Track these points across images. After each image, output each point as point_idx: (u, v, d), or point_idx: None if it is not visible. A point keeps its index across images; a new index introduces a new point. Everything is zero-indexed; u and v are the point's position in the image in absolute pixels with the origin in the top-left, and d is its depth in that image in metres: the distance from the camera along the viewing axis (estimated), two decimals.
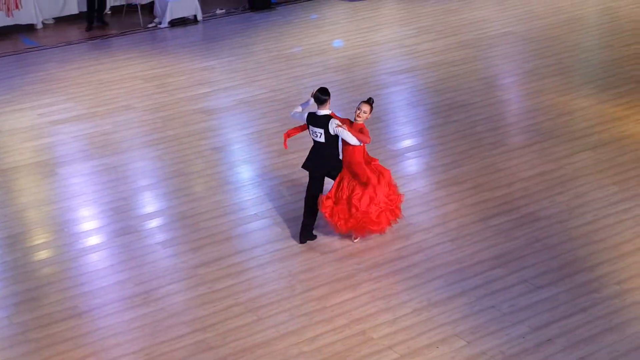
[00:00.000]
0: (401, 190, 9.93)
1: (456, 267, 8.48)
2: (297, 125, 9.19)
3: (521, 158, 10.59)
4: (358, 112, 8.61)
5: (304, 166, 9.05)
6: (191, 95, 12.81)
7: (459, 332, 7.52)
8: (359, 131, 8.56)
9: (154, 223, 9.48)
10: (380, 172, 8.79)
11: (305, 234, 9.06)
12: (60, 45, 15.06)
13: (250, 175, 10.53)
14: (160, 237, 9.20)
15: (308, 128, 8.79)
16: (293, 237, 9.07)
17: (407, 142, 11.18)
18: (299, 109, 8.97)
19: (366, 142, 8.60)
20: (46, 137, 11.61)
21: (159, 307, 7.99)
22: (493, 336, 7.47)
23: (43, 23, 15.99)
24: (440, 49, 14.31)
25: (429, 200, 9.78)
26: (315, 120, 8.65)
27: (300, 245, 8.92)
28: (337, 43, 14.89)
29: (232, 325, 7.72)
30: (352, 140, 8.52)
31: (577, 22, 15.37)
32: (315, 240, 8.99)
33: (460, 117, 11.76)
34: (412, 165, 10.66)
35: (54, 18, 16.18)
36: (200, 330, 7.66)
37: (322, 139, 8.66)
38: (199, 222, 9.43)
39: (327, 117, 8.58)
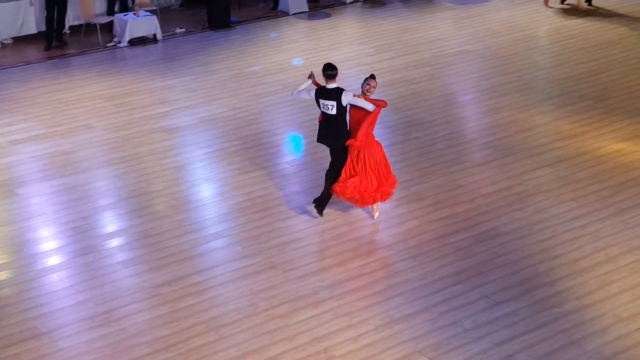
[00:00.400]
0: (362, 208, 10.04)
1: (418, 283, 8.53)
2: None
3: (481, 174, 10.70)
4: (367, 87, 9.26)
5: (320, 141, 9.74)
6: (151, 114, 12.77)
7: (422, 349, 7.56)
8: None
9: (115, 242, 9.41)
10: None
11: (322, 206, 9.70)
12: (19, 64, 14.92)
13: (212, 194, 10.50)
14: (121, 256, 9.13)
15: (317, 103, 9.44)
16: (255, 254, 9.07)
17: None
18: (303, 86, 9.63)
19: (383, 106, 9.31)
20: (5, 157, 11.48)
21: (120, 327, 7.92)
22: (455, 352, 7.51)
23: (1, 43, 15.84)
24: (398, 67, 14.43)
25: (390, 217, 9.83)
26: (326, 94, 9.34)
27: (262, 263, 8.91)
28: (297, 61, 14.95)
29: (194, 344, 7.68)
30: (369, 106, 9.22)
31: (533, 41, 15.60)
32: (276, 257, 8.99)
33: (419, 135, 11.85)
34: None
35: (12, 38, 16.02)
36: (162, 350, 7.61)
37: (334, 111, 9.34)
38: (160, 241, 9.38)
39: (339, 90, 9.31)
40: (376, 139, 9.57)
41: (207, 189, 10.63)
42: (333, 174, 9.60)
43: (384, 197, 9.59)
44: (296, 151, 11.80)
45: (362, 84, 9.35)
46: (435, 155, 11.25)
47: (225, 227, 9.67)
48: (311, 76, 9.71)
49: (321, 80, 9.54)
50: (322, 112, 9.52)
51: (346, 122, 9.50)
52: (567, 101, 12.80)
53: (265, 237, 9.42)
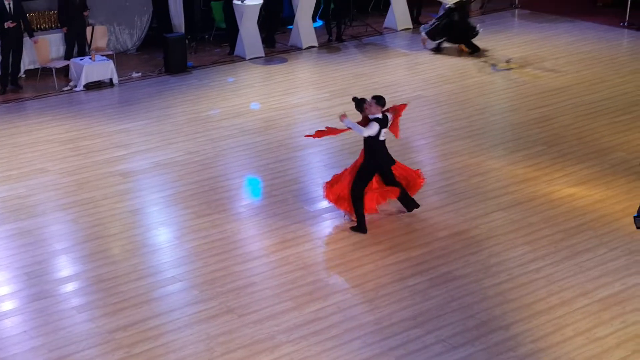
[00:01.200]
0: (319, 250, 10.07)
1: (374, 327, 8.55)
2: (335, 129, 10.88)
3: (437, 218, 10.80)
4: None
5: (384, 165, 10.53)
6: (107, 158, 12.71)
7: None
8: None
9: (70, 287, 9.31)
10: None
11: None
12: None
13: (168, 238, 10.46)
14: (75, 301, 9.02)
15: (379, 133, 10.27)
16: (211, 299, 9.02)
17: (325, 204, 11.26)
18: (357, 126, 10.37)
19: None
20: None
21: None
22: None
23: None
24: (354, 112, 14.49)
25: (347, 260, 9.86)
26: (384, 123, 10.33)
27: (218, 307, 8.87)
28: (254, 105, 15.03)
29: None
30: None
31: (485, 86, 15.87)
32: (233, 301, 8.96)
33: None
34: (329, 226, 10.76)
35: None
36: None
37: (385, 137, 10.42)
38: (116, 285, 9.29)
39: (386, 116, 10.45)
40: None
41: (163, 233, 10.58)
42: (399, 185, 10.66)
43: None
44: (253, 194, 11.81)
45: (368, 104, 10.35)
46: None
47: (181, 271, 9.62)
48: (344, 116, 10.51)
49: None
50: (376, 139, 10.29)
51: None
52: (520, 146, 13.02)
53: (222, 281, 9.39)
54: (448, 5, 17.68)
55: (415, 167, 12.27)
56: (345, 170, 10.80)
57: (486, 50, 17.88)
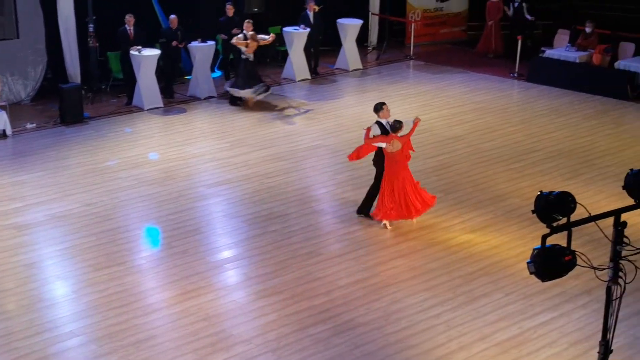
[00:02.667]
0: (221, 301, 9.97)
1: None
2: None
3: (338, 266, 10.86)
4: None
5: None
6: (1, 211, 12.34)
7: None
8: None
9: None
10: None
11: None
12: None
13: (65, 292, 10.19)
14: None
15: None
16: (111, 353, 8.81)
17: (226, 254, 11.22)
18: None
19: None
20: None
21: None
22: None
23: None
24: (254, 161, 14.60)
25: (249, 310, 9.80)
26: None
27: None
28: (153, 156, 14.88)
29: None
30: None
31: None
32: (133, 355, 8.77)
33: (277, 228, 11.96)
34: (231, 276, 10.69)
35: None
36: None
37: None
38: (11, 341, 8.98)
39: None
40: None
41: (60, 287, 10.31)
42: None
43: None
44: (152, 244, 11.64)
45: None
46: (292, 248, 11.36)
47: (79, 325, 9.38)
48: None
49: None
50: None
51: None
52: None
53: (122, 335, 9.19)
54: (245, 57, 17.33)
55: (316, 215, 12.38)
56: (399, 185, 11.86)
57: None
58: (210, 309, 9.79)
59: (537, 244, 5.92)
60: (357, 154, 12.33)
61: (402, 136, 11.86)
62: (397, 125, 11.85)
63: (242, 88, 17.54)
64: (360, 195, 13.07)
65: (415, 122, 12.06)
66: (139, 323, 9.45)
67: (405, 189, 11.87)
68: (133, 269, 10.76)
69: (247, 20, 17.43)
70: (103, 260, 10.92)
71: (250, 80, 17.58)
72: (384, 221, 11.97)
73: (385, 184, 11.95)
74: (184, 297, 10.02)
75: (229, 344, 9.07)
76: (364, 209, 12.35)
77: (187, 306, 9.80)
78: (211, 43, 18.48)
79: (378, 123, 12.04)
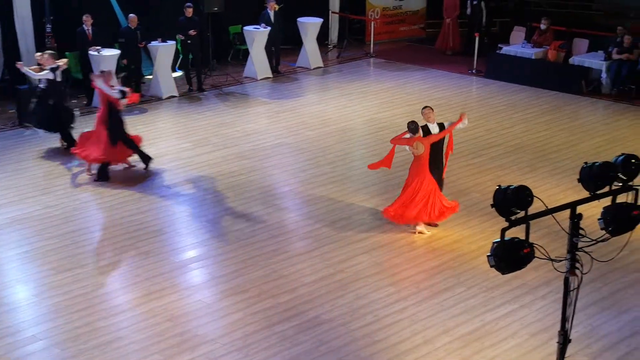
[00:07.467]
0: (186, 301, 9.96)
1: None
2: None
3: (303, 264, 10.90)
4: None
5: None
6: None
7: None
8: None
9: None
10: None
11: None
12: None
13: (26, 295, 10.11)
14: None
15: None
16: (75, 356, 8.77)
17: (191, 253, 11.21)
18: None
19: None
20: None
21: None
22: None
23: None
24: (217, 161, 14.58)
25: (215, 310, 9.80)
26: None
27: None
28: None
29: None
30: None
31: (346, 133, 16.22)
32: (98, 357, 8.74)
33: (241, 227, 11.97)
34: (196, 275, 10.68)
35: None
36: None
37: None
38: None
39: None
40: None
41: (21, 291, 10.22)
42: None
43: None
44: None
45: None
46: (257, 246, 11.37)
47: (42, 329, 9.30)
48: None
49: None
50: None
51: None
52: (382, 190, 13.34)
53: (86, 337, 9.14)
54: (41, 86, 14.72)
55: (280, 213, 12.42)
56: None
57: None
58: (175, 309, 9.78)
59: (498, 237, 6.03)
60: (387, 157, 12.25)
61: (427, 137, 11.60)
62: (411, 126, 11.56)
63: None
64: (324, 192, 13.14)
65: (458, 120, 11.86)
66: (103, 325, 9.41)
67: (425, 193, 11.53)
68: (96, 271, 10.70)
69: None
70: (65, 262, 10.85)
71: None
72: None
73: (411, 185, 11.63)
74: (148, 298, 10.00)
75: (194, 344, 9.06)
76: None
77: (152, 307, 9.78)
78: (171, 43, 18.42)
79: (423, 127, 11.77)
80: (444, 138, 12.00)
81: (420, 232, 11.72)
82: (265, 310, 9.76)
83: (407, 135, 11.63)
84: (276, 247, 11.38)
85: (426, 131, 11.74)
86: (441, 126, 11.87)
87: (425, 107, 12.05)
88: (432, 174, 11.69)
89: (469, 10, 22.28)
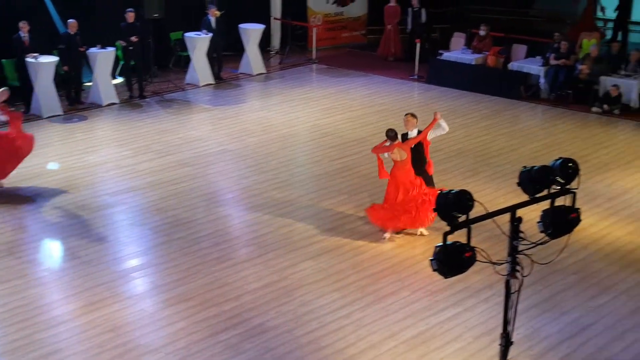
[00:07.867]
0: (128, 311, 9.83)
1: None
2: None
3: (247, 271, 10.84)
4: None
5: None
6: None
7: None
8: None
9: None
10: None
11: None
12: None
13: None
14: None
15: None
16: None
17: (133, 262, 11.06)
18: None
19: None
20: None
21: None
22: None
23: None
24: (158, 168, 14.45)
25: (157, 319, 9.69)
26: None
27: None
28: (52, 165, 14.55)
29: None
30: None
31: (288, 139, 16.20)
32: None
33: (183, 235, 11.86)
34: (138, 284, 10.55)
35: None
36: None
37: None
38: None
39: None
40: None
41: None
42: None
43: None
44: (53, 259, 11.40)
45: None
46: (201, 254, 11.28)
47: None
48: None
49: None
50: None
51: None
52: (325, 196, 13.34)
53: (24, 350, 8.95)
54: None
55: (223, 220, 12.35)
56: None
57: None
58: (117, 319, 9.64)
59: (440, 241, 6.06)
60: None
61: (405, 142, 11.70)
62: (390, 134, 11.61)
63: None
64: (267, 199, 13.10)
65: (433, 120, 11.98)
66: (43, 337, 9.23)
67: (407, 198, 11.64)
68: (35, 282, 10.50)
69: None
70: (3, 274, 10.62)
71: None
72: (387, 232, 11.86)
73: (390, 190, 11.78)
74: (89, 309, 9.84)
75: (137, 354, 8.94)
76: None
77: (93, 317, 9.63)
78: (111, 49, 18.20)
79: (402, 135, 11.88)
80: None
81: (390, 239, 11.78)
82: (209, 319, 9.68)
83: (387, 144, 11.67)
84: (219, 254, 11.30)
85: (405, 139, 11.83)
86: (420, 133, 11.94)
87: (407, 114, 12.13)
88: (419, 173, 11.85)
89: (410, 17, 22.46)
